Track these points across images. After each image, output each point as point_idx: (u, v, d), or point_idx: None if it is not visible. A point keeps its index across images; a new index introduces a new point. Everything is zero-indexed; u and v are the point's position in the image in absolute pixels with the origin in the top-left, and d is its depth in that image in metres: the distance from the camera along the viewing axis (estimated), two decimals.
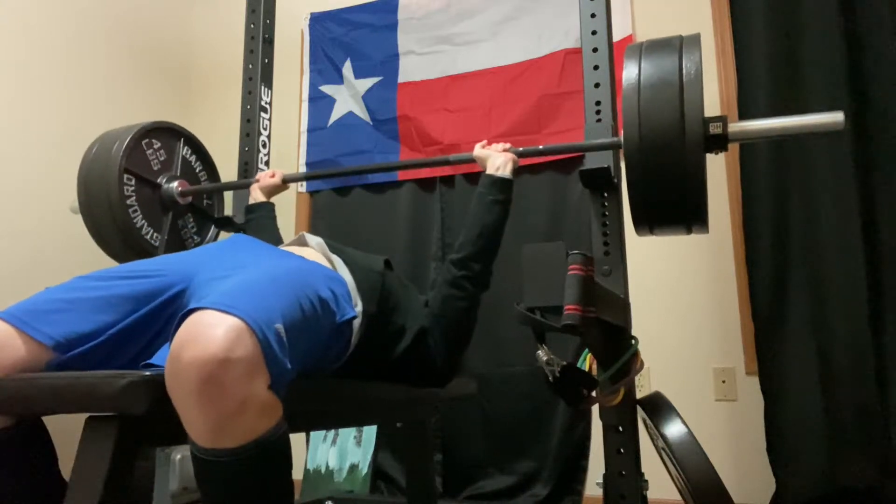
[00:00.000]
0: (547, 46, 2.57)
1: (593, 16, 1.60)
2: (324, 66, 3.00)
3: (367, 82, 2.88)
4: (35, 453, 0.96)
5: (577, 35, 1.68)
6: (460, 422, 2.42)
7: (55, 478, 0.96)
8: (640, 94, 1.11)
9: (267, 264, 1.04)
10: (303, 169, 2.94)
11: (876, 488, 1.89)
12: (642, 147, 1.09)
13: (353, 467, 2.49)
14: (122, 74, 2.91)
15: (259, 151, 2.10)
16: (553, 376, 1.26)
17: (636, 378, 1.37)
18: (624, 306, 1.41)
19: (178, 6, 3.28)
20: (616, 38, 1.88)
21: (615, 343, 1.33)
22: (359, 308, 1.10)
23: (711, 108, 2.34)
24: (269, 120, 2.15)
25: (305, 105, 3.00)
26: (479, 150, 1.59)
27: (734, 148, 2.26)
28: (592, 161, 1.51)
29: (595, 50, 1.59)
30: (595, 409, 1.59)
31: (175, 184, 1.88)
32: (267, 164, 2.12)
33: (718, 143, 1.14)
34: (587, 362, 1.38)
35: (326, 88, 2.98)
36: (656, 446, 1.46)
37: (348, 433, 2.57)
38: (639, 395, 1.46)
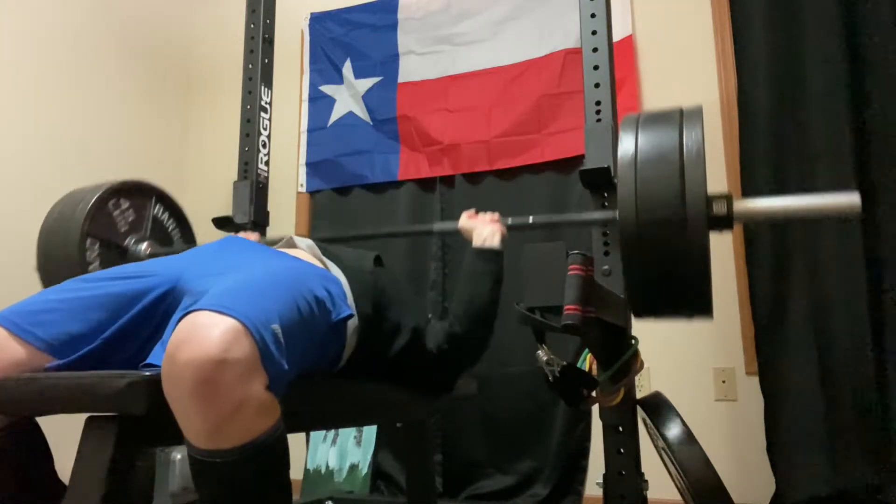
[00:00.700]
0: (547, 46, 2.57)
1: (593, 16, 1.60)
2: (324, 66, 3.00)
3: (367, 82, 2.88)
4: (29, 453, 0.96)
5: (577, 35, 1.68)
6: (460, 422, 2.42)
7: (51, 478, 0.96)
8: (636, 168, 1.03)
9: (262, 265, 1.03)
10: (303, 169, 2.94)
11: (876, 489, 1.89)
12: (639, 224, 1.00)
13: (353, 467, 2.49)
14: (122, 74, 2.91)
15: (259, 151, 2.10)
16: (553, 376, 1.26)
17: (636, 378, 1.37)
18: (624, 306, 1.41)
19: (179, 6, 3.28)
20: (616, 38, 1.88)
21: (615, 343, 1.32)
22: (354, 310, 1.10)
23: (712, 108, 2.34)
24: (269, 120, 2.14)
25: (305, 105, 3.01)
26: (464, 221, 1.51)
27: (733, 147, 2.26)
28: (592, 161, 1.51)
29: (595, 50, 1.59)
30: (595, 409, 1.59)
31: (143, 246, 1.75)
32: (267, 164, 2.12)
33: (722, 223, 1.06)
34: (587, 362, 1.38)
35: (326, 88, 2.98)
36: (656, 446, 1.46)
37: (348, 433, 2.57)
38: (639, 395, 1.46)
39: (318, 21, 3.05)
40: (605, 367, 1.33)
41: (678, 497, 1.46)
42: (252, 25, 2.16)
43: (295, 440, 2.49)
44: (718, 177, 2.27)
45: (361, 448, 2.52)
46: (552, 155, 2.48)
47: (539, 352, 1.28)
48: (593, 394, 1.32)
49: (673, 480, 1.47)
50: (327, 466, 2.54)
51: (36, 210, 2.42)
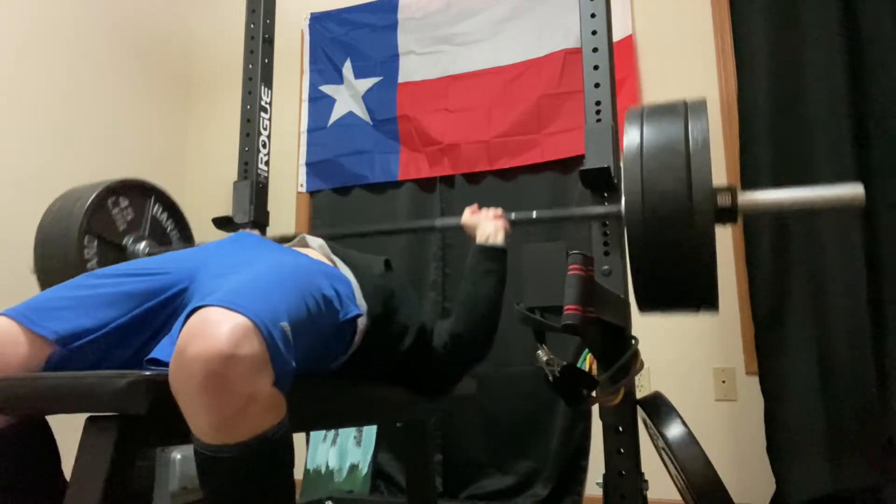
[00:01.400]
0: (547, 46, 2.57)
1: (593, 16, 1.60)
2: (324, 66, 3.00)
3: (367, 82, 2.88)
4: (37, 452, 0.96)
5: (577, 35, 1.68)
6: (460, 422, 2.42)
7: (58, 477, 0.97)
8: (642, 161, 1.02)
9: (271, 262, 1.04)
10: (303, 169, 2.94)
11: (876, 489, 1.89)
12: (645, 218, 0.99)
13: (353, 467, 2.49)
14: (122, 74, 2.91)
15: (259, 151, 2.10)
16: (553, 376, 1.25)
17: (636, 378, 1.37)
18: (624, 306, 1.41)
19: (179, 6, 3.28)
20: (616, 38, 1.88)
21: (615, 343, 1.32)
22: (363, 310, 1.10)
23: (712, 108, 2.33)
24: (269, 120, 2.14)
25: (305, 105, 3.01)
26: (467, 217, 1.49)
27: (734, 146, 2.26)
28: (592, 161, 1.51)
29: (595, 50, 1.59)
30: (595, 409, 1.59)
31: (142, 245, 1.74)
32: (267, 164, 2.12)
33: (727, 215, 1.07)
34: (587, 362, 1.38)
35: (326, 88, 2.98)
36: (656, 446, 1.46)
37: (348, 433, 2.57)
38: (639, 395, 1.46)
39: (318, 21, 3.05)
40: (605, 367, 1.33)
41: (678, 497, 1.46)
42: (252, 25, 2.16)
43: (295, 440, 2.49)
44: (718, 177, 2.25)
45: (361, 448, 2.52)
46: (552, 155, 2.48)
47: (539, 352, 1.28)
48: (593, 394, 1.31)
49: (673, 480, 1.47)
50: (327, 466, 2.54)
51: (34, 210, 2.42)
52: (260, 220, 2.06)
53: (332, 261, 1.20)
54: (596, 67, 1.58)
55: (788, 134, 2.15)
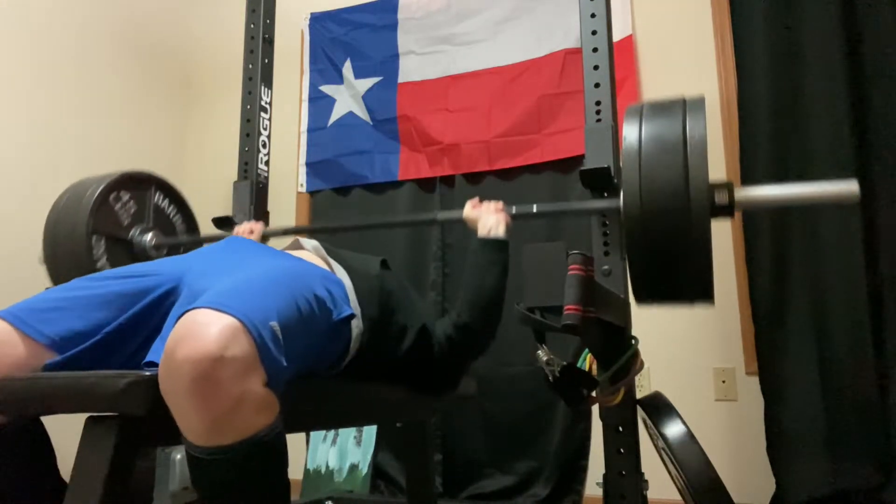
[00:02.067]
0: (547, 46, 2.57)
1: (593, 16, 1.60)
2: (324, 66, 3.00)
3: (367, 82, 2.89)
4: (33, 452, 0.96)
5: (577, 35, 1.68)
6: (460, 422, 2.42)
7: (54, 477, 0.97)
8: (640, 159, 1.05)
9: (263, 264, 1.04)
10: (303, 169, 2.94)
11: (876, 489, 1.89)
12: (643, 214, 1.02)
13: (353, 467, 2.49)
14: (122, 74, 2.92)
15: (259, 151, 2.10)
16: (553, 376, 1.26)
17: (636, 378, 1.37)
18: (624, 306, 1.41)
19: (179, 7, 3.28)
20: (616, 38, 1.88)
21: (615, 343, 1.33)
22: (357, 311, 1.10)
23: (712, 107, 2.34)
24: (269, 120, 2.15)
25: (305, 105, 3.01)
26: (468, 211, 1.50)
27: (733, 147, 2.26)
28: (592, 161, 1.51)
29: (595, 50, 1.59)
30: (595, 409, 1.59)
31: (148, 236, 1.77)
32: (267, 164, 2.12)
33: (723, 211, 1.09)
34: (587, 362, 1.38)
35: (326, 88, 2.98)
36: (656, 446, 1.46)
37: (348, 433, 2.57)
38: (639, 395, 1.46)
39: (318, 21, 3.05)
40: (605, 367, 1.33)
41: (678, 497, 1.47)
42: (252, 25, 2.16)
43: (295, 440, 2.49)
44: (718, 175, 2.26)
45: (361, 448, 2.52)
46: (552, 155, 2.48)
47: (539, 352, 1.28)
48: (593, 394, 1.32)
49: (673, 480, 1.47)
50: (327, 466, 2.54)
51: (34, 210, 2.42)
52: (260, 221, 2.05)
53: (326, 262, 1.20)
54: (596, 67, 1.58)
55: (788, 134, 2.15)
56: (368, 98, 2.87)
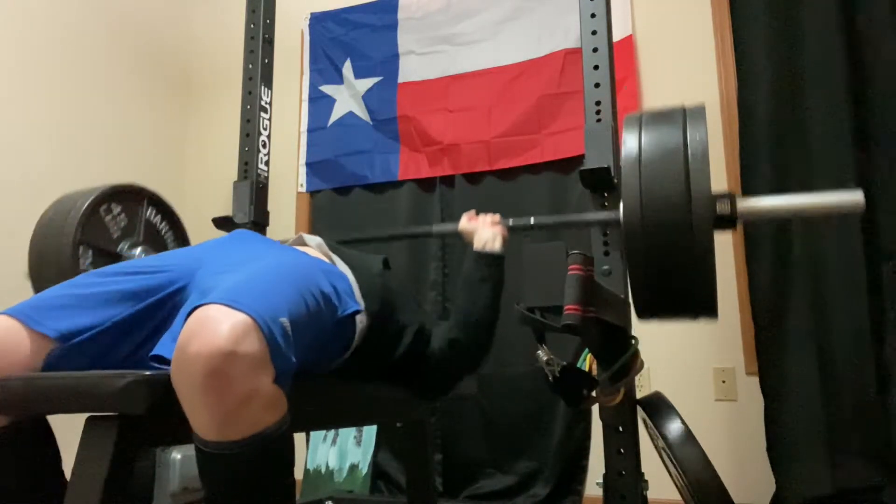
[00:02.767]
0: (547, 46, 2.57)
1: (593, 16, 1.60)
2: (324, 66, 3.00)
3: (367, 82, 2.89)
4: (38, 453, 0.96)
5: (577, 35, 1.68)
6: (460, 422, 2.42)
7: (59, 477, 0.97)
8: (640, 169, 1.02)
9: (270, 260, 1.04)
10: (303, 169, 2.94)
11: (876, 489, 1.89)
12: (644, 225, 0.99)
13: (353, 467, 2.49)
14: (121, 74, 2.91)
15: (259, 151, 2.10)
16: (553, 376, 1.26)
17: (636, 378, 1.37)
18: (624, 306, 1.41)
19: (178, 7, 3.28)
20: (616, 38, 1.88)
21: (615, 343, 1.32)
22: (362, 307, 1.11)
23: (712, 108, 2.34)
24: (269, 120, 2.15)
25: (305, 105, 3.01)
26: (464, 223, 1.50)
27: (733, 146, 2.26)
28: (592, 161, 1.51)
29: (595, 50, 1.59)
30: (595, 409, 1.59)
31: (137, 251, 1.72)
32: (267, 164, 2.12)
33: (726, 222, 1.07)
34: (587, 362, 1.38)
35: (326, 88, 2.98)
36: (656, 446, 1.46)
37: (348, 433, 2.57)
38: (639, 395, 1.46)
39: (318, 21, 3.05)
40: (605, 367, 1.33)
41: (678, 497, 1.47)
42: (252, 25, 2.16)
43: (295, 440, 2.49)
44: (719, 176, 2.27)
45: (361, 448, 2.52)
46: (552, 155, 2.48)
47: (539, 352, 1.28)
48: (593, 394, 1.32)
49: (673, 480, 1.47)
50: (327, 466, 2.54)
51: (33, 210, 2.42)
52: (260, 221, 2.06)
53: (330, 258, 1.21)
54: (596, 67, 1.58)
55: (788, 133, 2.15)
56: (368, 98, 2.87)
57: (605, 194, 1.52)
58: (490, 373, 2.35)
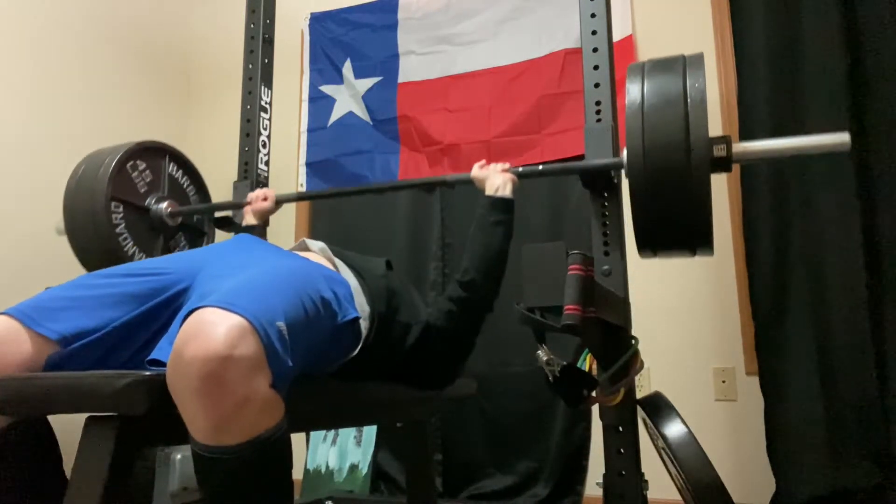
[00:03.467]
0: (547, 46, 2.57)
1: (593, 16, 1.60)
2: (324, 66, 3.00)
3: (367, 82, 2.89)
4: (38, 452, 0.96)
5: (577, 35, 1.68)
6: (460, 422, 2.42)
7: (59, 477, 0.97)
8: (643, 115, 1.10)
9: (270, 264, 1.04)
10: (303, 169, 2.94)
11: (876, 489, 1.89)
12: (646, 168, 1.07)
13: (353, 467, 2.49)
14: (122, 74, 2.91)
15: (259, 151, 2.10)
16: (553, 376, 1.25)
17: (636, 378, 1.37)
18: (624, 306, 1.41)
19: (178, 7, 3.28)
20: (616, 38, 1.88)
21: (615, 343, 1.33)
22: (366, 310, 1.11)
23: (712, 107, 2.33)
24: (269, 120, 2.15)
25: (305, 105, 3.01)
26: (476, 171, 1.57)
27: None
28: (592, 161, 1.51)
29: (595, 50, 1.59)
30: (595, 409, 1.59)
31: (164, 205, 1.83)
32: (267, 164, 2.12)
33: (722, 164, 1.13)
34: (587, 362, 1.38)
35: (326, 88, 2.98)
36: (656, 446, 1.46)
37: (348, 433, 2.57)
38: (639, 395, 1.46)
39: (318, 21, 3.05)
40: (605, 367, 1.33)
41: (678, 497, 1.46)
42: (252, 25, 2.16)
43: (295, 440, 2.48)
44: (719, 178, 2.26)
45: (361, 448, 2.52)
46: (552, 155, 2.48)
47: (539, 352, 1.28)
48: (593, 394, 1.31)
49: (673, 480, 1.47)
50: (327, 466, 2.54)
51: (35, 209, 2.42)
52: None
53: (332, 263, 1.21)
54: (596, 67, 1.58)
55: (788, 133, 2.15)
56: (368, 98, 2.87)
57: (605, 194, 1.52)
58: (490, 373, 2.35)
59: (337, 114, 2.94)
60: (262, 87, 2.13)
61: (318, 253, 1.25)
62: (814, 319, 2.04)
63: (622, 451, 1.41)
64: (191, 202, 1.97)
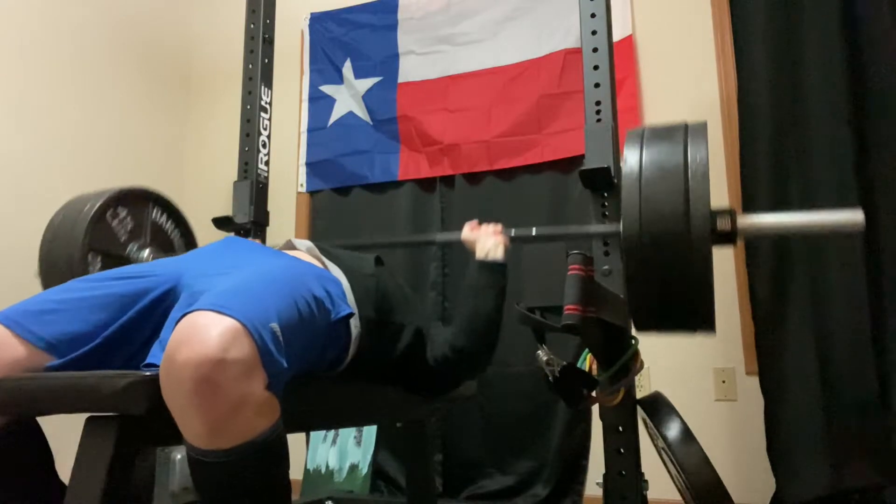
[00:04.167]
0: (547, 46, 2.57)
1: (593, 16, 1.60)
2: (324, 66, 3.00)
3: (367, 82, 2.89)
4: (29, 453, 0.96)
5: (577, 35, 1.68)
6: (460, 422, 2.42)
7: (52, 478, 0.96)
8: (641, 184, 1.03)
9: (261, 264, 1.04)
10: (303, 169, 2.95)
11: (876, 489, 1.89)
12: (643, 240, 1.00)
13: (353, 467, 2.49)
14: (122, 74, 2.91)
15: (259, 151, 2.10)
16: (553, 376, 1.26)
17: (636, 378, 1.37)
18: (624, 306, 1.41)
19: (179, 7, 3.28)
20: (616, 38, 1.88)
21: (615, 343, 1.33)
22: (355, 311, 1.10)
23: (712, 108, 2.34)
24: (269, 120, 2.15)
25: (305, 105, 3.01)
26: (466, 233, 1.51)
27: (733, 144, 2.26)
28: (592, 161, 1.51)
29: (595, 50, 1.59)
30: (595, 409, 1.59)
31: (145, 253, 1.74)
32: (267, 164, 2.12)
33: (725, 238, 1.07)
34: (587, 362, 1.38)
35: (326, 88, 2.98)
36: (656, 446, 1.46)
37: (348, 433, 2.57)
38: (639, 395, 1.46)
39: (318, 21, 3.05)
40: (605, 367, 1.33)
41: (678, 497, 1.47)
42: (252, 25, 2.16)
43: (295, 440, 2.49)
44: (719, 177, 2.27)
45: (361, 448, 2.52)
46: (552, 155, 2.48)
47: (539, 352, 1.28)
48: (593, 394, 1.32)
49: (673, 480, 1.47)
50: (327, 466, 2.54)
51: (35, 210, 2.42)
52: (260, 221, 2.06)
53: (321, 262, 1.20)
54: (596, 67, 1.58)
55: (789, 132, 2.15)
56: (368, 98, 2.87)
57: (605, 194, 1.52)
58: (490, 373, 2.35)
59: (337, 114, 2.94)
60: (262, 87, 2.13)
61: (304, 252, 1.24)
62: (814, 319, 2.04)
63: (622, 451, 1.41)
64: (175, 248, 1.88)
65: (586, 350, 1.38)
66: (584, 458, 2.27)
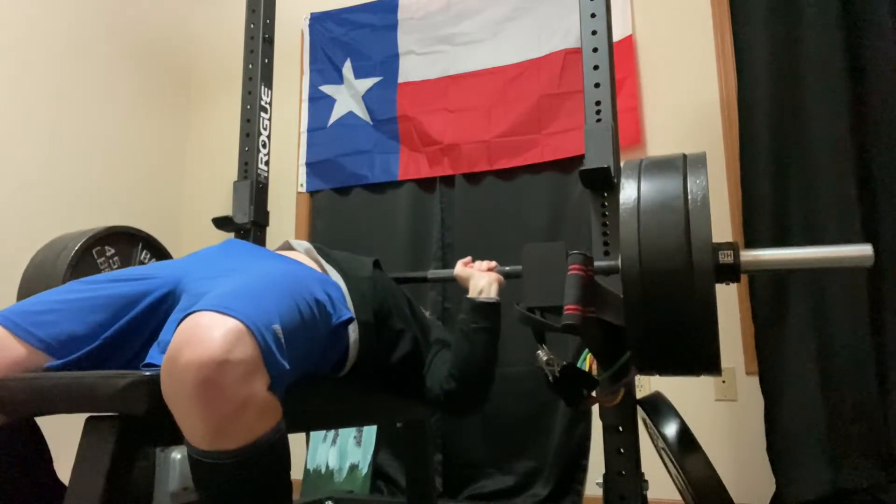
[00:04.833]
0: (547, 46, 2.57)
1: (593, 16, 1.60)
2: (324, 66, 3.00)
3: (367, 82, 2.89)
4: (28, 454, 0.96)
5: (577, 35, 1.68)
6: (460, 422, 2.42)
7: (50, 478, 0.96)
8: (639, 218, 0.99)
9: (262, 267, 1.04)
10: (303, 169, 2.95)
11: (876, 489, 1.89)
12: (643, 276, 0.96)
13: (353, 467, 2.49)
14: (122, 75, 2.92)
15: (259, 151, 2.10)
16: (553, 376, 1.25)
17: (636, 378, 1.37)
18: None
19: (179, 7, 3.28)
20: (616, 38, 1.88)
21: (615, 343, 1.32)
22: (353, 315, 1.10)
23: (712, 108, 2.34)
24: (269, 120, 2.15)
25: (305, 105, 3.01)
26: (459, 269, 1.47)
27: (733, 144, 2.26)
28: (592, 161, 1.51)
29: (595, 50, 1.59)
30: (595, 409, 1.59)
31: None
32: (267, 164, 2.12)
33: (728, 272, 1.03)
34: (587, 362, 1.38)
35: (326, 88, 2.98)
36: (656, 446, 1.46)
37: (348, 433, 2.57)
38: (639, 395, 1.46)
39: (318, 21, 3.05)
40: (605, 367, 1.33)
41: (678, 497, 1.46)
42: (252, 25, 2.16)
43: (295, 440, 2.49)
44: (719, 177, 2.27)
45: (361, 448, 2.52)
46: (552, 155, 2.48)
47: (539, 352, 1.28)
48: (593, 394, 1.31)
49: (673, 480, 1.47)
50: (327, 466, 2.54)
51: (35, 210, 2.43)
52: (260, 221, 2.06)
53: (319, 264, 1.20)
54: (596, 67, 1.58)
55: (788, 133, 2.15)
56: (368, 98, 2.88)
57: (605, 194, 1.52)
58: None
59: (337, 114, 2.94)
60: (262, 87, 2.13)
61: (303, 254, 1.24)
62: (814, 319, 2.04)
63: (622, 451, 1.41)
64: None
65: (586, 350, 1.38)
66: (584, 458, 2.27)
